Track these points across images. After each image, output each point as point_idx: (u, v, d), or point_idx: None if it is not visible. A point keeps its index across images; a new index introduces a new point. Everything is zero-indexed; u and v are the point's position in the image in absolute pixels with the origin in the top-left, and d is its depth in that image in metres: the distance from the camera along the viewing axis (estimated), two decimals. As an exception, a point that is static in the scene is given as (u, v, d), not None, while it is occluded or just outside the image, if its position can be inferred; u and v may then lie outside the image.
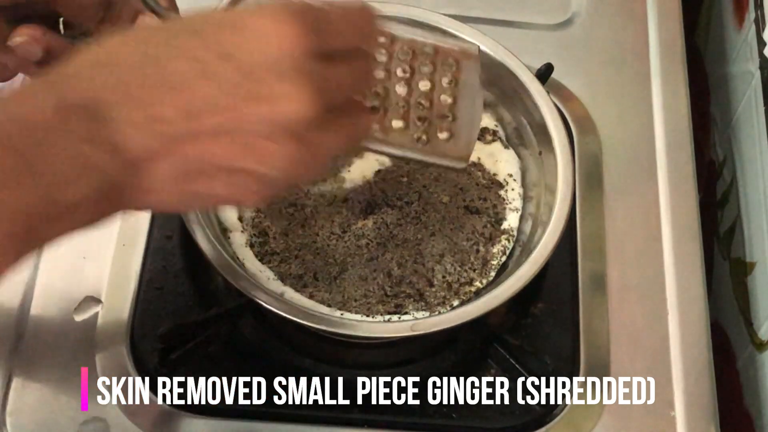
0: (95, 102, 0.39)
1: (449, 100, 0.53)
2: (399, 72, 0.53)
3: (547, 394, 0.65)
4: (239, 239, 0.64)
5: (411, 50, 0.53)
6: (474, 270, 0.64)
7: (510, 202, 0.68)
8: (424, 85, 0.53)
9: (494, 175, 0.69)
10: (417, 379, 0.66)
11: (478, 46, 0.53)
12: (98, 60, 0.41)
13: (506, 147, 0.70)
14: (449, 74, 0.53)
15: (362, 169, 0.68)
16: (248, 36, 0.40)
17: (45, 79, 0.41)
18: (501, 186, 0.69)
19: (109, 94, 0.39)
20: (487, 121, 0.71)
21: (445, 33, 0.53)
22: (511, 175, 0.69)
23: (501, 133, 0.71)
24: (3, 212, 0.37)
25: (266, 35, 0.40)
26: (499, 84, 0.68)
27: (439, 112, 0.53)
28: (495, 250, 0.66)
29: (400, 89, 0.53)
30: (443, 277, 0.64)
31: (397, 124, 0.53)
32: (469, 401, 0.65)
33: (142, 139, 0.40)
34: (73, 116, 0.39)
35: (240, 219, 0.65)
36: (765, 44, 0.75)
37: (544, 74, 0.73)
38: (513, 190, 0.68)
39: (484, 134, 0.70)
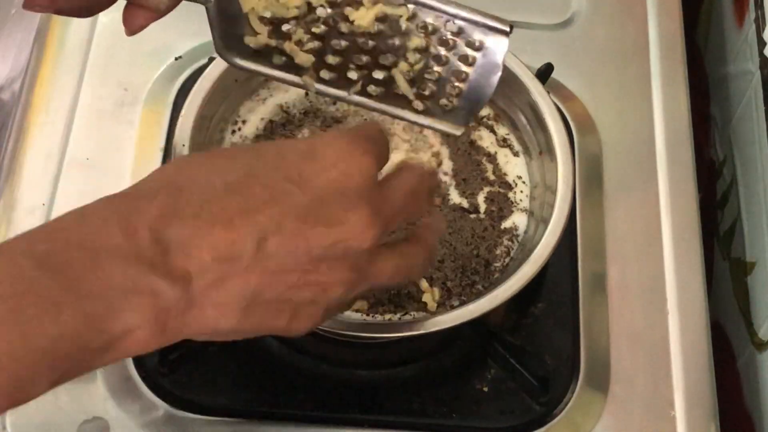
0: (164, 228, 0.38)
1: (462, 74, 0.53)
2: (416, 40, 0.52)
3: (548, 394, 0.65)
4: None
5: (434, 21, 0.52)
6: (477, 273, 0.64)
7: (517, 204, 0.68)
8: (439, 55, 0.52)
9: (504, 175, 0.69)
10: (417, 379, 0.66)
11: (511, 25, 0.53)
12: (174, 182, 0.40)
13: (516, 155, 0.70)
14: (471, 48, 0.52)
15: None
16: (322, 165, 0.41)
17: (113, 201, 0.39)
18: (510, 187, 0.68)
19: (179, 222, 0.38)
20: (501, 129, 0.70)
21: (475, 10, 0.52)
22: (520, 177, 0.69)
23: (511, 140, 0.70)
24: (40, 341, 0.35)
25: (334, 163, 0.41)
26: (499, 84, 0.68)
27: (448, 82, 0.53)
28: (498, 251, 0.66)
29: (412, 56, 0.52)
30: (443, 283, 0.64)
31: (402, 86, 0.53)
32: (469, 401, 0.65)
33: (211, 269, 0.38)
34: (141, 241, 0.37)
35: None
36: (765, 44, 0.75)
37: (544, 74, 0.73)
38: (522, 192, 0.68)
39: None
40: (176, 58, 0.79)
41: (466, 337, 0.67)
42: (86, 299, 0.36)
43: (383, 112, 0.55)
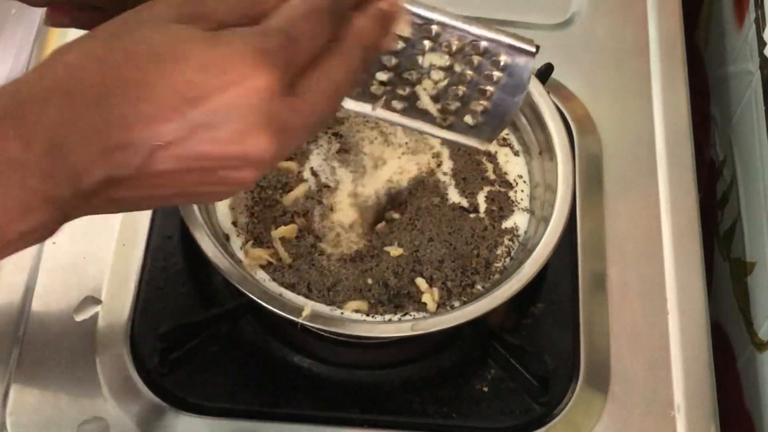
0: (55, 137, 0.38)
1: (487, 92, 0.53)
2: (440, 59, 0.52)
3: (548, 394, 0.65)
4: (235, 243, 0.64)
5: (459, 41, 0.52)
6: (477, 273, 0.64)
7: (518, 203, 0.68)
8: (464, 74, 0.52)
9: (505, 174, 0.69)
10: (417, 378, 0.66)
11: (537, 46, 0.53)
12: (62, 89, 0.39)
13: (516, 154, 0.70)
14: (496, 68, 0.52)
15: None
16: (220, 82, 0.39)
17: (8, 107, 0.39)
18: (510, 186, 0.68)
19: (68, 131, 0.39)
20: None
21: (500, 30, 0.52)
22: (521, 177, 0.69)
23: (511, 139, 0.70)
24: None
25: (233, 82, 0.39)
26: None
27: (472, 99, 0.53)
28: (499, 251, 0.65)
29: (436, 74, 0.53)
30: (443, 283, 0.63)
31: (425, 102, 0.53)
32: (469, 401, 0.65)
33: (103, 172, 0.39)
34: (34, 150, 0.38)
35: (234, 224, 0.65)
36: (765, 44, 0.75)
37: (544, 74, 0.73)
38: (523, 191, 0.68)
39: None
40: (176, 58, 0.79)
41: (466, 337, 0.67)
42: None
43: (408, 127, 0.55)
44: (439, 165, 0.68)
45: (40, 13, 0.82)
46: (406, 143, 0.68)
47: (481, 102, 0.53)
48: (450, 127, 0.54)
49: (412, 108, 0.54)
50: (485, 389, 0.66)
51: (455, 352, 0.67)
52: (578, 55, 0.83)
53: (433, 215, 0.66)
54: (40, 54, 0.79)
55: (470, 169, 0.68)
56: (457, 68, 0.52)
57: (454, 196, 0.67)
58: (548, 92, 0.68)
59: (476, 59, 0.52)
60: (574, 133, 0.77)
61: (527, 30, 0.83)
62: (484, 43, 0.51)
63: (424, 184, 0.67)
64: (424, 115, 0.54)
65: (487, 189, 0.68)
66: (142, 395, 0.64)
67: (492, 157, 0.69)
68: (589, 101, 0.80)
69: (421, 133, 0.55)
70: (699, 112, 0.83)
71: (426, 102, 0.53)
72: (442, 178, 0.68)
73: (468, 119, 0.54)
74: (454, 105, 0.53)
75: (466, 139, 0.55)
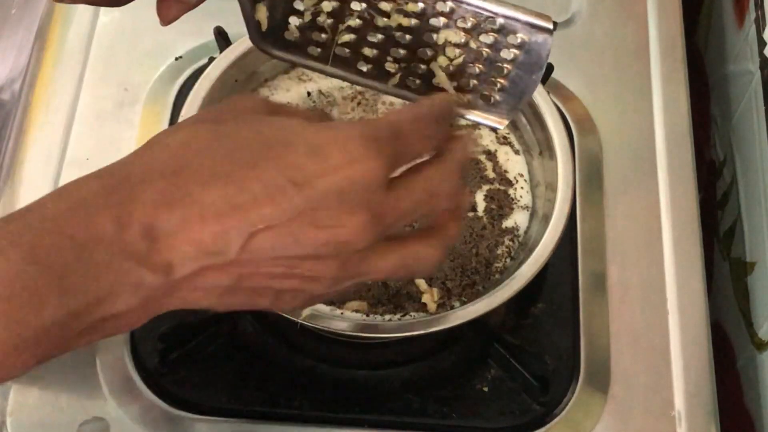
0: (155, 218, 0.38)
1: (504, 70, 0.53)
2: (454, 35, 0.52)
3: (548, 394, 0.65)
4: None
5: (474, 18, 0.52)
6: (477, 273, 0.64)
7: (518, 201, 0.68)
8: (480, 51, 0.52)
9: (505, 172, 0.69)
10: (417, 379, 0.66)
11: (555, 23, 0.52)
12: (166, 169, 0.39)
13: (516, 153, 0.70)
14: (513, 45, 0.52)
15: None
16: (327, 166, 0.40)
17: (107, 185, 0.39)
18: (510, 184, 0.68)
19: (169, 212, 0.38)
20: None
21: (517, 7, 0.52)
22: (522, 175, 0.69)
23: (512, 138, 0.70)
24: (23, 332, 0.36)
25: (340, 166, 0.40)
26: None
27: (489, 77, 0.53)
28: (499, 251, 0.66)
29: (451, 51, 0.52)
30: (443, 283, 0.64)
31: (441, 79, 0.53)
32: (469, 401, 0.65)
33: (195, 260, 0.39)
34: (131, 233, 0.38)
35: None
36: (765, 44, 0.75)
37: (544, 74, 0.73)
38: (522, 188, 0.68)
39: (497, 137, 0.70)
40: (176, 58, 0.79)
41: (467, 337, 0.67)
42: (71, 294, 0.37)
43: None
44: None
45: (40, 13, 0.82)
46: None
47: (499, 80, 0.53)
48: (467, 105, 0.54)
49: (427, 85, 0.53)
50: (485, 389, 0.66)
51: (455, 352, 0.67)
52: (578, 55, 0.83)
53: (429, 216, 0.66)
54: (40, 54, 0.79)
55: (468, 168, 0.68)
56: (473, 45, 0.52)
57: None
58: (548, 92, 0.68)
59: (492, 36, 0.51)
60: (574, 133, 0.77)
61: (527, 30, 0.83)
62: (500, 20, 0.51)
63: None
64: (440, 93, 0.54)
65: (486, 188, 0.68)
66: (142, 395, 0.64)
67: (491, 156, 0.69)
68: (589, 101, 0.80)
69: None
70: (699, 112, 0.83)
71: (442, 79, 0.53)
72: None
73: (485, 97, 0.54)
74: (471, 82, 0.53)
75: (483, 117, 0.54)
